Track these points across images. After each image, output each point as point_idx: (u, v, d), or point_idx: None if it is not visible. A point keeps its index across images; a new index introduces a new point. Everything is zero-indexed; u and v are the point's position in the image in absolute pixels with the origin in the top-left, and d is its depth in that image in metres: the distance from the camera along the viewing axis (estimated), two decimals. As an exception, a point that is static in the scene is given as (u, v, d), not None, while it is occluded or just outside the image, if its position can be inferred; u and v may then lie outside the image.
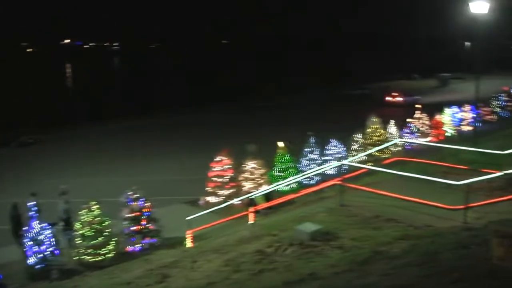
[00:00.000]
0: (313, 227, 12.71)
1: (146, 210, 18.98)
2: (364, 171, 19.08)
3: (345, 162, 21.19)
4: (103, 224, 17.77)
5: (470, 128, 38.05)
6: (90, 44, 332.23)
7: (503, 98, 48.89)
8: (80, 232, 17.62)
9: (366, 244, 11.33)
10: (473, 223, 12.05)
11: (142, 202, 18.97)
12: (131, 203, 18.91)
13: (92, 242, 17.52)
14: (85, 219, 17.61)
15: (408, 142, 31.94)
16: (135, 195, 18.94)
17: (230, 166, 25.19)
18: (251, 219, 17.92)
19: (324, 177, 24.03)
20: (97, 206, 17.77)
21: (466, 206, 12.64)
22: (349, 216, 14.22)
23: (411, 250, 9.92)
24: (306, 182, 25.27)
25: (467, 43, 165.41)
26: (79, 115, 62.45)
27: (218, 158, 25.09)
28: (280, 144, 26.97)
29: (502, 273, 6.98)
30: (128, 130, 50.80)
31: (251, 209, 18.56)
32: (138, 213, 18.82)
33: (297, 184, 24.76)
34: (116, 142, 44.13)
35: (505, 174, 14.84)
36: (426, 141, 33.21)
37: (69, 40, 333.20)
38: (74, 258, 17.73)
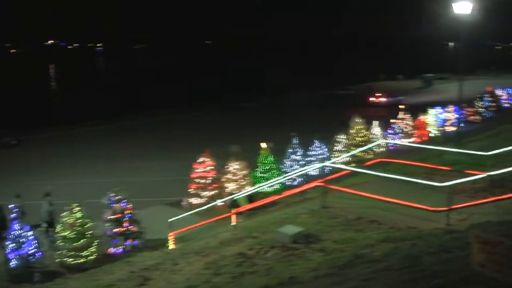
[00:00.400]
0: (295, 230, 12.66)
1: (128, 211, 18.84)
2: (347, 172, 19.06)
3: (328, 163, 21.13)
4: (85, 226, 17.61)
5: (454, 128, 38.15)
6: (74, 44, 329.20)
7: (487, 98, 49.11)
8: (62, 234, 17.46)
9: (348, 247, 11.29)
10: (456, 225, 12.04)
11: (125, 204, 18.84)
12: (113, 205, 18.77)
13: (74, 244, 17.36)
14: (67, 221, 17.45)
15: (391, 143, 31.98)
16: (117, 197, 18.81)
17: (213, 167, 25.07)
18: (234, 220, 17.83)
19: (307, 178, 23.96)
20: (79, 208, 17.62)
21: (449, 208, 12.64)
22: (331, 218, 14.17)
23: (392, 253, 9.89)
24: (289, 183, 25.21)
25: (451, 44, 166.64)
26: (68, 116, 61.76)
27: (201, 159, 24.97)
28: (263, 145, 26.87)
29: (482, 279, 6.94)
30: (119, 130, 50.60)
31: (234, 210, 18.46)
32: (120, 215, 18.69)
33: (280, 185, 24.68)
34: (106, 143, 43.86)
35: (488, 175, 14.86)
36: (409, 142, 33.29)
37: (52, 41, 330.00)
38: (56, 260, 17.58)
